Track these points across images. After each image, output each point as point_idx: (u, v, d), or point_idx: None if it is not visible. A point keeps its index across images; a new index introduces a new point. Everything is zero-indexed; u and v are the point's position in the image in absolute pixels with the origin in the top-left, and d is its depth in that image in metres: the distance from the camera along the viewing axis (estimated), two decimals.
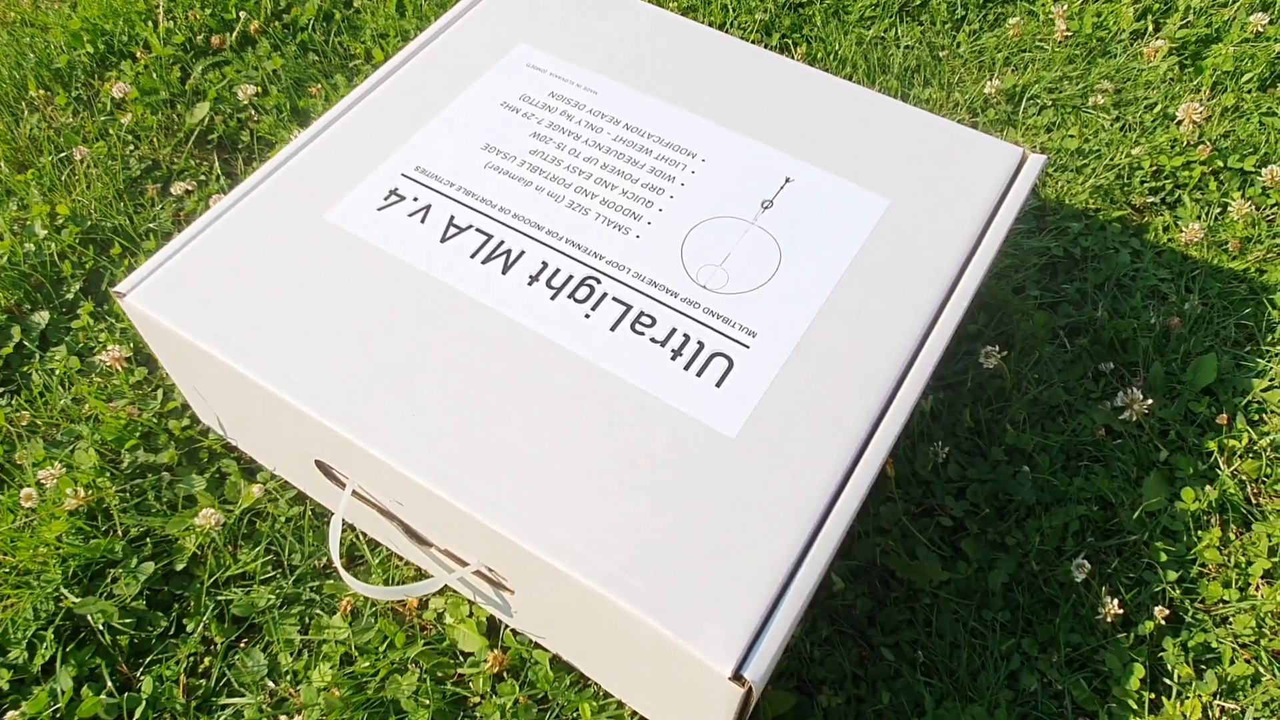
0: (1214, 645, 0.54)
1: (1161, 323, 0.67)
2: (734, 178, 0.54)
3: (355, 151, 0.55)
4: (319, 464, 0.52)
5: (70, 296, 0.69)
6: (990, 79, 0.82)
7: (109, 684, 0.53)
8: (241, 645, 0.55)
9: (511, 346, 0.47)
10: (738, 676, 0.38)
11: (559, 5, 0.64)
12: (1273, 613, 0.54)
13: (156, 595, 0.56)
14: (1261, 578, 0.56)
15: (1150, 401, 0.61)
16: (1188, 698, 0.52)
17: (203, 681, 0.53)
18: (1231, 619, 0.55)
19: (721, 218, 0.53)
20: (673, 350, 0.47)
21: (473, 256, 0.51)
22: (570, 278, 0.50)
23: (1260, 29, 0.85)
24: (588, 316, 0.48)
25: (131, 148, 0.77)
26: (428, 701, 0.51)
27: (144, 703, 0.52)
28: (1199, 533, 0.58)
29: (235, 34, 0.84)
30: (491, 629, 0.54)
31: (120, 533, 0.58)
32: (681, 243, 0.51)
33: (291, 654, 0.54)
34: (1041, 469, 0.59)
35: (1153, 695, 0.52)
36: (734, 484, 0.43)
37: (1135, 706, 0.52)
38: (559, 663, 0.53)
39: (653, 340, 0.48)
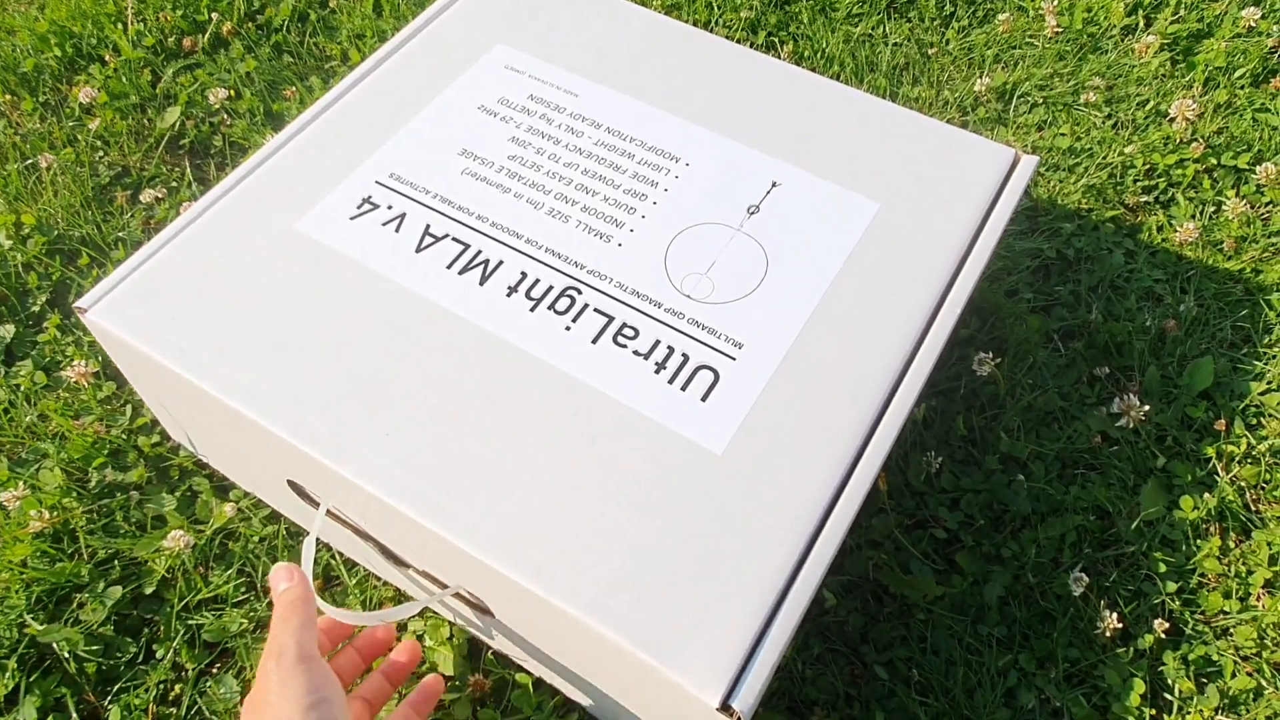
0: (1215, 658, 0.52)
1: (1157, 325, 0.65)
2: (719, 182, 0.53)
3: (327, 158, 0.53)
4: (291, 484, 0.50)
5: (36, 309, 0.67)
6: (980, 76, 0.81)
7: (74, 714, 0.51)
8: (213, 671, 0.53)
9: (489, 360, 0.46)
10: (725, 707, 0.37)
11: (538, 5, 0.62)
12: (1274, 624, 0.53)
13: (125, 620, 0.54)
14: (1262, 587, 0.55)
15: (1147, 408, 0.60)
16: (1189, 713, 0.51)
17: (173, 710, 0.51)
18: (1233, 630, 0.53)
19: (706, 224, 0.51)
20: (656, 363, 0.46)
21: (449, 267, 0.49)
22: (550, 288, 0.48)
23: (1252, 24, 0.84)
24: (568, 329, 0.47)
25: (100, 154, 0.75)
26: None
27: None
28: (1198, 542, 0.56)
29: (207, 36, 0.82)
30: (473, 651, 0.53)
31: (87, 555, 0.56)
32: (665, 251, 0.50)
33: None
34: (1037, 478, 0.58)
35: (1153, 711, 0.51)
36: (721, 502, 0.42)
37: None
38: (542, 686, 0.51)
39: (636, 353, 0.46)
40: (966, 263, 0.51)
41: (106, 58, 0.81)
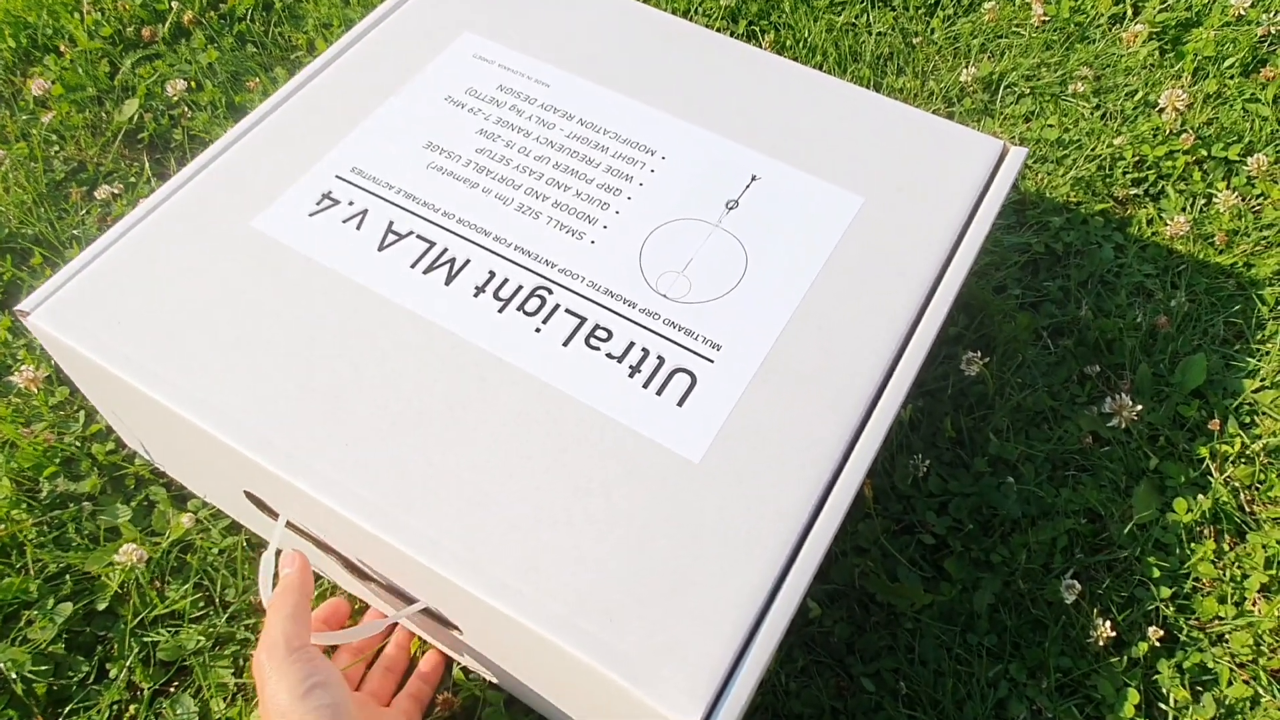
0: (1210, 666, 0.51)
1: (1148, 321, 0.64)
2: (696, 176, 0.50)
3: (285, 152, 0.51)
4: (249, 495, 0.47)
5: None
6: (966, 66, 0.79)
7: None
8: (170, 690, 0.50)
9: (455, 364, 0.43)
10: None
11: None
12: (1271, 630, 0.52)
13: (76, 638, 0.51)
14: (1258, 592, 0.53)
15: (1139, 407, 0.58)
16: None
17: None
18: (1228, 637, 0.52)
19: (683, 220, 0.49)
20: (630, 366, 0.43)
21: (413, 266, 0.47)
22: (520, 288, 0.46)
23: (1241, 12, 0.82)
24: (538, 330, 0.44)
25: (55, 148, 0.72)
26: None
27: None
28: (1192, 545, 0.55)
29: (167, 25, 0.79)
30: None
31: (36, 570, 0.53)
32: (640, 248, 0.48)
33: (225, 699, 0.49)
34: (1027, 480, 0.56)
35: None
36: (697, 513, 0.40)
37: None
38: (515, 704, 0.49)
39: (609, 355, 0.44)
40: (954, 259, 0.49)
41: (62, 48, 0.78)
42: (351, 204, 0.49)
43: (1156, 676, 0.50)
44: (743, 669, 0.36)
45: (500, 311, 0.45)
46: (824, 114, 0.54)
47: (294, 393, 0.42)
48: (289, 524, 0.46)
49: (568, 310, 0.45)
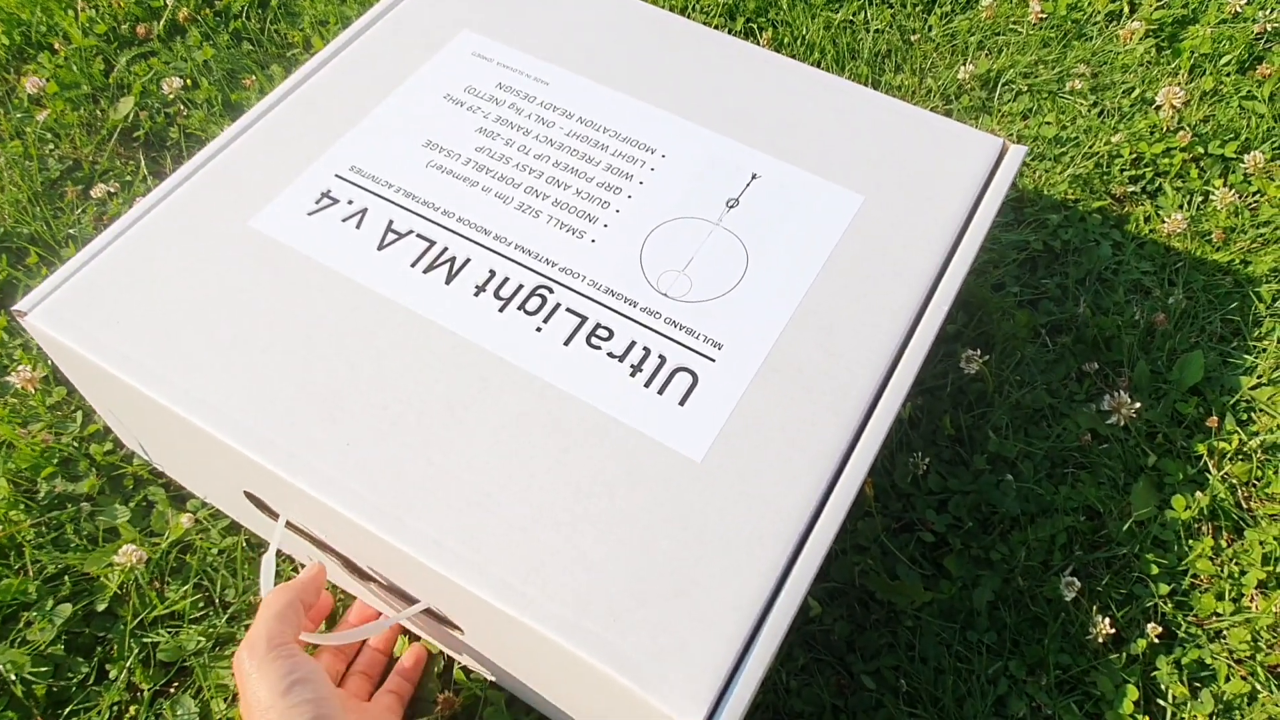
0: (1208, 662, 0.51)
1: (1146, 319, 0.64)
2: (696, 175, 0.50)
3: (283, 151, 0.51)
4: (249, 495, 0.47)
5: None
6: (964, 64, 0.79)
7: None
8: (170, 691, 0.50)
9: (455, 364, 0.43)
10: None
11: None
12: (1268, 626, 0.52)
13: (76, 639, 0.51)
14: (1255, 588, 0.53)
15: (1138, 405, 0.58)
16: (1182, 719, 0.49)
17: None
18: (1226, 633, 0.52)
19: (683, 219, 0.49)
20: (632, 365, 0.43)
21: (413, 265, 0.46)
22: (520, 287, 0.46)
23: (1238, 9, 0.82)
24: (539, 330, 0.44)
25: (50, 147, 0.72)
26: None
27: None
28: (1190, 542, 0.55)
29: (163, 22, 0.79)
30: (443, 666, 0.50)
31: (34, 571, 0.53)
32: (641, 247, 0.47)
33: (225, 700, 0.49)
34: (1026, 478, 0.56)
35: (1147, 718, 0.49)
36: (700, 513, 0.40)
37: None
38: (516, 704, 0.49)
39: (610, 355, 0.44)
40: (954, 257, 0.49)
41: (56, 46, 0.77)
42: (351, 203, 0.49)
43: (1155, 673, 0.51)
44: (745, 669, 0.36)
45: (501, 311, 0.45)
46: (823, 112, 0.54)
47: (293, 392, 0.42)
48: (289, 524, 0.46)
49: (568, 309, 0.45)
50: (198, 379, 0.43)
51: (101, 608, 0.52)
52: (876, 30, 0.81)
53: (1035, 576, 0.53)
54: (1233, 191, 0.70)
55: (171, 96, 0.74)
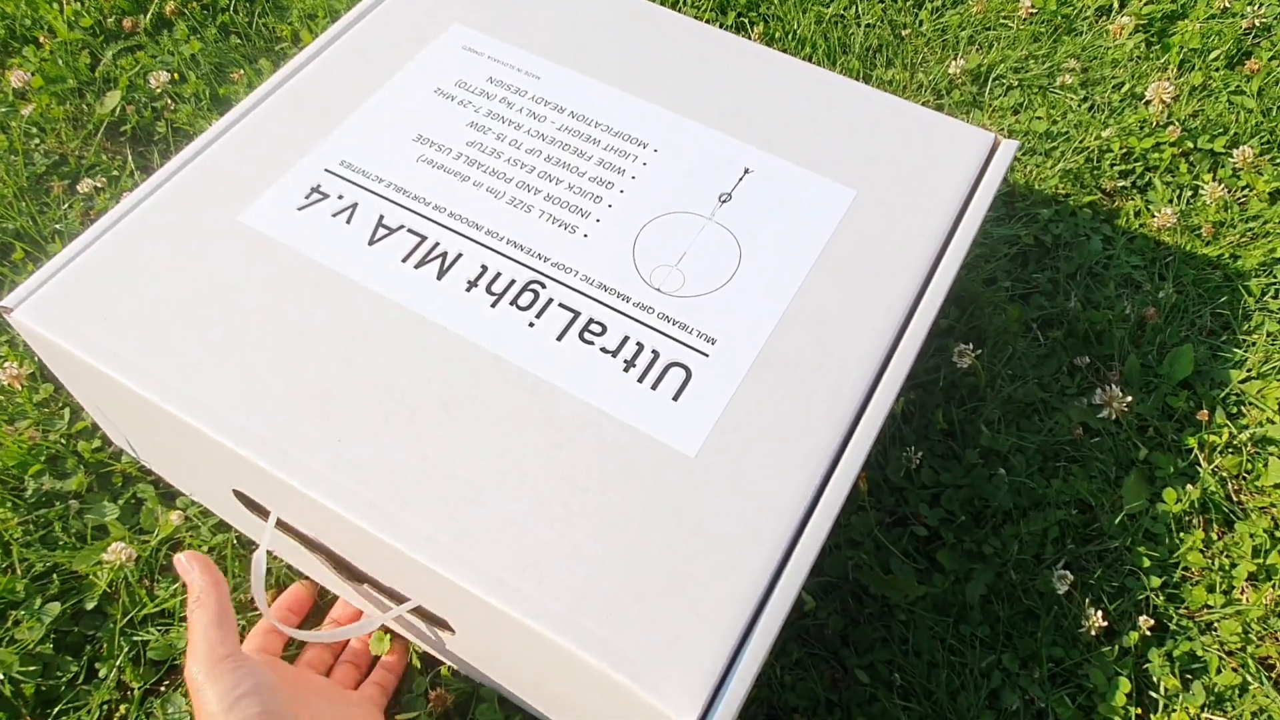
0: (1200, 654, 0.51)
1: (1136, 313, 0.64)
2: (689, 169, 0.50)
3: (272, 145, 0.50)
4: (238, 493, 0.47)
5: None
6: (955, 58, 0.79)
7: None
8: (161, 690, 0.50)
9: (447, 360, 0.43)
10: None
11: None
12: (1259, 618, 0.52)
13: (65, 638, 0.51)
14: (1246, 580, 0.54)
15: (1130, 398, 0.58)
16: (1174, 711, 0.50)
17: None
18: (1217, 625, 0.52)
19: (676, 213, 0.49)
20: (625, 361, 0.43)
21: (404, 260, 0.46)
22: (512, 282, 0.46)
23: (1227, 4, 0.83)
24: (532, 325, 0.44)
25: (35, 141, 0.71)
26: None
27: None
28: (1181, 535, 0.55)
29: (149, 16, 0.78)
30: (430, 663, 0.50)
31: (22, 570, 0.52)
32: (633, 242, 0.47)
33: None
34: (1018, 471, 0.57)
35: (1139, 710, 0.50)
36: (694, 508, 0.39)
37: None
38: (507, 703, 0.49)
39: (603, 350, 0.44)
40: (947, 252, 0.49)
41: (41, 39, 0.76)
42: (341, 198, 0.48)
43: (1147, 665, 0.51)
44: (740, 665, 0.36)
45: (493, 306, 0.45)
46: (816, 106, 0.54)
47: (284, 389, 0.42)
48: (279, 523, 0.46)
49: (561, 305, 0.45)
50: (187, 375, 0.42)
51: (90, 606, 0.51)
52: (868, 25, 0.81)
53: (1028, 570, 0.53)
54: (1222, 186, 0.70)
55: (159, 91, 0.73)
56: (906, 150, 0.52)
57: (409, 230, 0.47)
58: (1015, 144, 0.53)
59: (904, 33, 0.81)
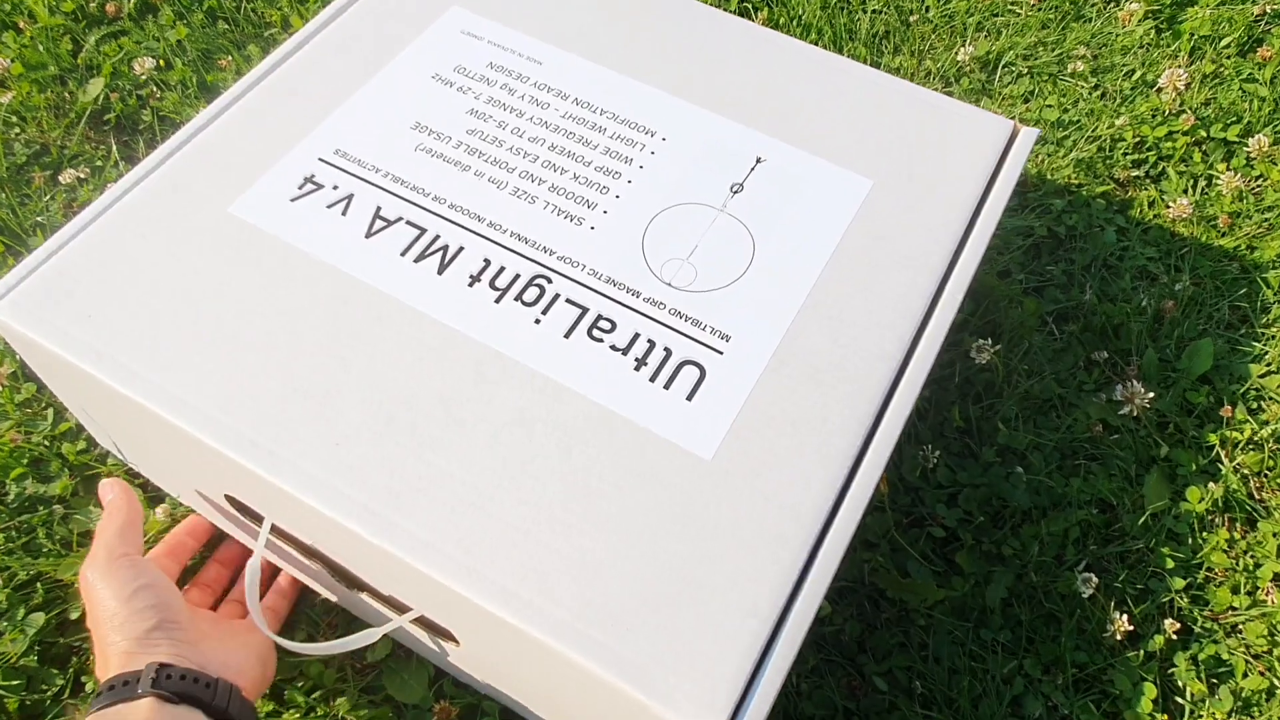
0: (1225, 657, 0.50)
1: (1153, 306, 0.62)
2: (699, 158, 0.48)
3: (264, 133, 0.48)
4: (230, 499, 0.45)
5: None
6: (963, 45, 0.77)
7: None
8: None
9: (449, 358, 0.41)
10: None
11: None
12: None
13: (49, 650, 0.49)
14: (1271, 581, 0.52)
15: (1152, 395, 0.57)
16: (1201, 716, 0.48)
17: None
18: (1242, 628, 0.51)
19: (686, 204, 0.47)
20: (636, 359, 0.41)
21: (403, 254, 0.44)
22: (517, 276, 0.44)
23: None
24: (538, 321, 0.42)
25: (15, 130, 0.68)
26: None
27: None
28: (1204, 534, 0.54)
29: (133, 0, 0.75)
30: (437, 673, 0.48)
31: (4, 579, 0.50)
32: (642, 234, 0.45)
33: None
34: (1036, 470, 0.55)
35: (1165, 716, 0.48)
36: (712, 514, 0.38)
37: None
38: (512, 715, 0.47)
39: (613, 348, 0.42)
40: (967, 245, 0.47)
41: (21, 25, 0.74)
42: (336, 188, 0.46)
43: (1172, 670, 0.49)
44: (763, 678, 0.35)
45: (497, 302, 0.43)
46: (828, 93, 0.52)
47: (278, 389, 0.40)
48: (274, 529, 0.44)
49: (568, 300, 0.43)
50: (176, 375, 0.40)
51: (76, 616, 0.49)
52: (874, 10, 0.79)
53: (1049, 572, 0.52)
54: (1237, 176, 0.69)
55: (144, 78, 0.71)
56: (922, 138, 0.50)
57: (408, 222, 0.45)
58: (1035, 131, 0.51)
59: (911, 19, 0.79)
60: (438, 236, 0.45)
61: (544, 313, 0.42)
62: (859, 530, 0.51)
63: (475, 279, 0.43)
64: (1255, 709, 0.49)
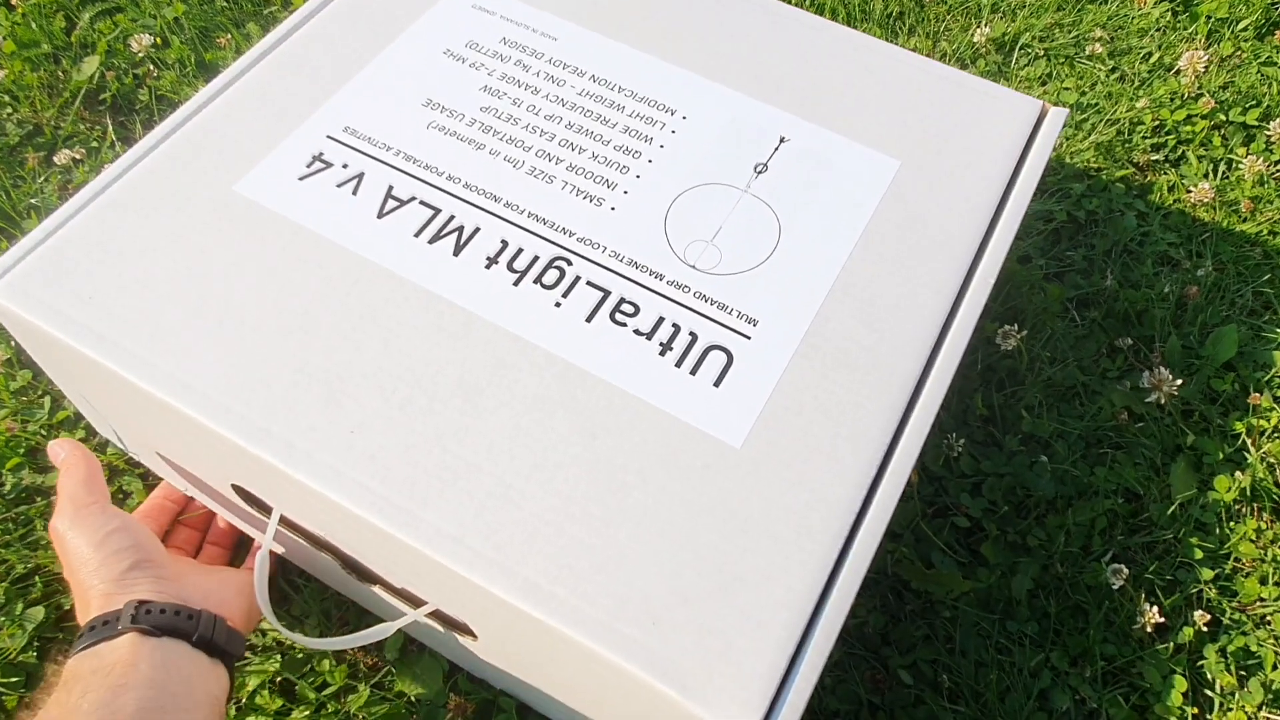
0: (1254, 649, 0.49)
1: (1176, 292, 0.61)
2: (721, 137, 0.47)
3: (270, 108, 0.46)
4: (237, 489, 0.43)
5: None
6: (978, 27, 0.75)
7: None
8: None
9: (468, 343, 0.39)
10: None
11: None
12: None
13: (49, 645, 0.47)
14: None
15: (1180, 382, 0.56)
16: (1231, 709, 0.47)
17: None
18: (1270, 619, 0.50)
19: (709, 184, 0.45)
20: (661, 344, 0.40)
21: (417, 235, 0.42)
22: (536, 258, 0.42)
23: None
24: (558, 305, 0.41)
25: (8, 110, 0.66)
26: None
27: None
28: (1231, 524, 0.53)
29: None
30: (451, 668, 0.47)
31: (2, 573, 0.48)
32: (665, 215, 0.44)
33: None
34: (1061, 459, 0.54)
35: (1195, 710, 0.47)
36: (742, 504, 0.36)
37: None
38: (529, 711, 0.45)
39: (637, 332, 0.40)
40: (997, 227, 0.45)
41: (13, 2, 0.72)
42: (346, 166, 0.44)
43: (1202, 662, 0.48)
44: (799, 673, 0.33)
45: (516, 284, 0.41)
46: (852, 71, 0.50)
47: (289, 375, 0.38)
48: (283, 519, 0.43)
49: (589, 283, 0.41)
50: (182, 360, 0.38)
51: (68, 606, 0.48)
52: None
53: (1075, 563, 0.51)
54: (1260, 160, 0.68)
55: (140, 56, 0.68)
56: (950, 118, 0.49)
57: (421, 202, 0.43)
58: (1064, 111, 0.49)
59: (925, 0, 0.77)
60: (453, 217, 0.43)
61: (564, 296, 0.41)
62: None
63: (493, 261, 0.42)
64: None
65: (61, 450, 0.43)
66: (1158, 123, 0.71)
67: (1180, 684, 0.47)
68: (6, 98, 0.67)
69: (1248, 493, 0.53)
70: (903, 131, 0.48)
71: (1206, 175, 0.68)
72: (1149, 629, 0.48)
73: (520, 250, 0.42)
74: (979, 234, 0.45)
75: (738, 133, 0.47)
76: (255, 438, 0.37)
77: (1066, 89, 0.72)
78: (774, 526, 0.36)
